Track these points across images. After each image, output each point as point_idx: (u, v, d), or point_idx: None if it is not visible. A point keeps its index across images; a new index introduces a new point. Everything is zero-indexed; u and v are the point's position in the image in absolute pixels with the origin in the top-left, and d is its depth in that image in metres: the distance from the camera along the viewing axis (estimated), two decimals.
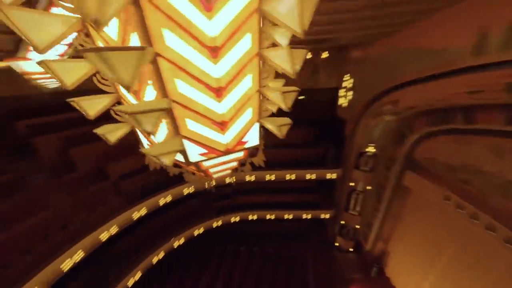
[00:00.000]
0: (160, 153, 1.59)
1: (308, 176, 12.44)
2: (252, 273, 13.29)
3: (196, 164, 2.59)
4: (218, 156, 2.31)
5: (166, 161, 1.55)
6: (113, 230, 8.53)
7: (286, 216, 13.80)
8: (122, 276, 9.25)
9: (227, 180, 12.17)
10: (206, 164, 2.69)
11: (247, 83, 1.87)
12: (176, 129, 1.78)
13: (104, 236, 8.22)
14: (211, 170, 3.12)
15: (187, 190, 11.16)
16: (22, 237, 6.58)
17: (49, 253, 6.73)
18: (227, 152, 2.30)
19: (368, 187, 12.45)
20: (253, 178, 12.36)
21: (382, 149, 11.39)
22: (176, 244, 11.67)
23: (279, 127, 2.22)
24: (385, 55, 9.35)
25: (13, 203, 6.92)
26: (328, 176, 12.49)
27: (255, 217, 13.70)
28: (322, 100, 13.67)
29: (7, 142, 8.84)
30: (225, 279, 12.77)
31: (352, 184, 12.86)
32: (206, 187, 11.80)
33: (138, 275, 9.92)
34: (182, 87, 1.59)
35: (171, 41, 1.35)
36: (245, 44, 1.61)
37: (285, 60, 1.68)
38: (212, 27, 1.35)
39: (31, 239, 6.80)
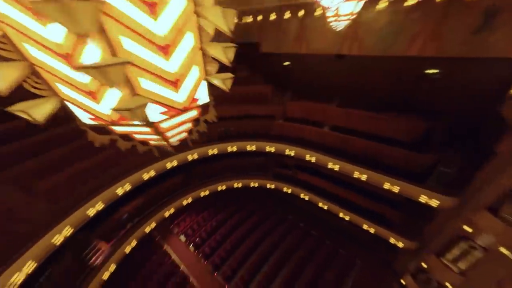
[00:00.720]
0: (129, 107, 1.60)
1: (386, 186, 9.18)
2: (290, 241, 13.95)
3: (155, 126, 2.76)
4: (178, 114, 2.47)
5: (136, 116, 1.64)
6: (195, 156, 12.08)
7: (341, 215, 11.91)
8: (197, 188, 13.50)
9: (287, 151, 11.97)
10: (164, 125, 2.79)
11: (189, 40, 1.88)
12: (132, 89, 1.80)
13: (189, 157, 11.95)
14: (168, 134, 3.19)
15: (249, 147, 12.53)
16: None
17: (162, 156, 11.14)
18: (185, 110, 2.42)
19: (502, 249, 7.15)
20: (313, 159, 11.15)
21: None
22: (235, 185, 14.43)
23: (223, 81, 2.15)
24: None
25: None
26: (423, 199, 8.44)
27: (306, 197, 13.09)
28: (477, 80, 7.83)
29: None
30: (265, 232, 14.57)
31: (467, 229, 7.93)
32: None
33: (207, 192, 13.94)
34: (129, 45, 1.57)
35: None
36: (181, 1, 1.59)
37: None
38: None
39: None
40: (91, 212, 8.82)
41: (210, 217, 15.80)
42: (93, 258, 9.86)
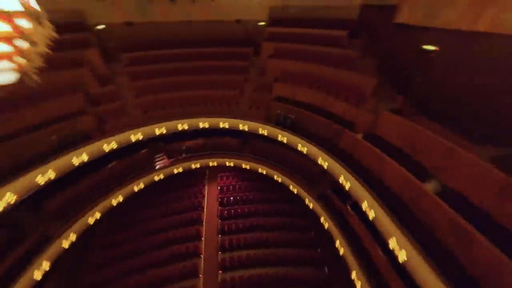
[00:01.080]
0: None
1: None
2: (305, 274, 11.34)
3: None
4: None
5: None
6: (245, 128, 11.55)
7: None
8: (240, 158, 13.51)
9: (341, 179, 8.03)
10: None
11: None
12: None
13: (240, 126, 11.64)
14: None
15: (300, 147, 9.79)
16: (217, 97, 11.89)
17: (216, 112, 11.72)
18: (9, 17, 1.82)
19: None
20: (371, 214, 6.73)
21: None
22: (275, 177, 12.87)
23: None
24: None
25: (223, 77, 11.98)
26: None
27: (341, 250, 9.07)
28: None
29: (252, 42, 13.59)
30: (285, 242, 12.72)
31: None
32: None
33: (247, 166, 13.65)
34: None
35: None
36: None
37: None
38: None
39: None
40: (157, 132, 11.52)
41: (246, 189, 15.94)
42: (156, 163, 13.51)
